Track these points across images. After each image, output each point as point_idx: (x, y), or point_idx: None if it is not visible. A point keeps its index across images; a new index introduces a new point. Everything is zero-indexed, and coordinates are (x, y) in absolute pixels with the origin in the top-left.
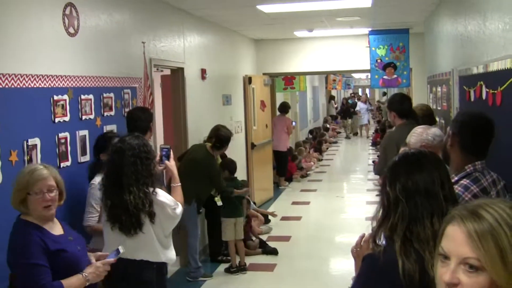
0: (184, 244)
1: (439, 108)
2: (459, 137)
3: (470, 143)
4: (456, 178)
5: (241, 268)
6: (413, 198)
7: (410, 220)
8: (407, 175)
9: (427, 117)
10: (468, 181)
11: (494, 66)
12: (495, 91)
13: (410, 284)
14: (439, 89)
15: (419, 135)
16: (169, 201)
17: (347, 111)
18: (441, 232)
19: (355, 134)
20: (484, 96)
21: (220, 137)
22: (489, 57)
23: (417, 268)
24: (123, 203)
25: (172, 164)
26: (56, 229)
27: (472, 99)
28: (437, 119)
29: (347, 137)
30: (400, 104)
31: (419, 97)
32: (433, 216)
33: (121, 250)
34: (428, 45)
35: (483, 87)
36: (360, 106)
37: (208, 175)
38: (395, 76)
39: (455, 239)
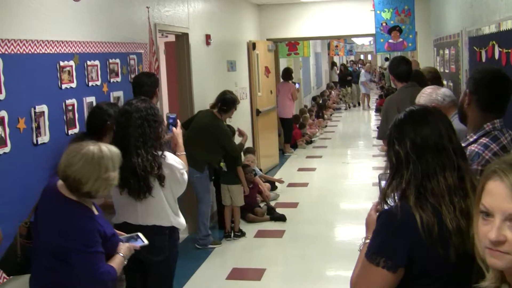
0: (193, 211)
1: (446, 70)
2: (476, 95)
3: (487, 101)
4: (474, 137)
5: (235, 234)
6: (424, 154)
7: (423, 176)
8: (415, 131)
9: (435, 79)
10: (487, 139)
11: (508, 25)
12: (509, 50)
13: (430, 237)
14: (446, 51)
15: (428, 95)
16: (178, 163)
17: (344, 79)
18: (480, 188)
19: (355, 105)
20: (497, 56)
21: (226, 99)
22: (502, 16)
23: (435, 221)
24: (131, 166)
25: (178, 132)
26: (93, 207)
27: (484, 59)
28: (445, 82)
29: (346, 108)
30: (397, 67)
31: (425, 60)
32: (445, 171)
33: (145, 242)
34: (434, 8)
35: (496, 46)
36: (365, 75)
37: (218, 140)
38: (400, 39)
39: (498, 194)
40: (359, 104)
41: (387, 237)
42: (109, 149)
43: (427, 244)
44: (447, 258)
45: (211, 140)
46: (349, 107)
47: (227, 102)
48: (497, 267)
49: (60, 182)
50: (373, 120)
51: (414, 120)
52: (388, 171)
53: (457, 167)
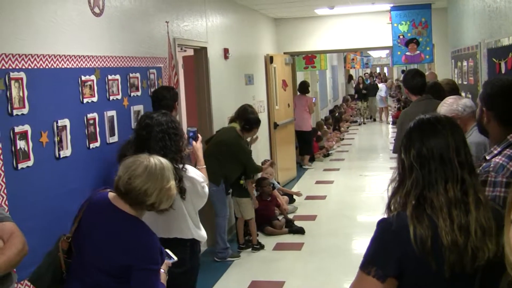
0: (212, 224)
1: (465, 82)
2: (493, 111)
3: (507, 116)
4: (499, 149)
5: (254, 247)
6: (427, 164)
7: (423, 186)
8: (421, 141)
9: (454, 91)
10: (511, 151)
11: None
12: None
13: (422, 250)
14: (464, 63)
15: (449, 106)
16: (199, 177)
17: (360, 92)
18: (510, 199)
19: (373, 119)
20: None
21: (250, 119)
22: None
23: (430, 234)
24: None
25: (198, 146)
26: None
27: (503, 71)
28: (463, 94)
29: (361, 123)
30: (412, 81)
31: (443, 72)
32: (447, 183)
33: (175, 258)
34: (451, 20)
35: None
36: (385, 91)
37: (238, 157)
38: (417, 52)
39: None
40: (375, 119)
41: (380, 246)
42: (165, 161)
43: (420, 257)
44: (441, 274)
45: (229, 155)
46: (364, 122)
47: (250, 122)
48: None
49: (112, 195)
50: (390, 132)
51: (421, 129)
52: (396, 181)
53: (461, 180)
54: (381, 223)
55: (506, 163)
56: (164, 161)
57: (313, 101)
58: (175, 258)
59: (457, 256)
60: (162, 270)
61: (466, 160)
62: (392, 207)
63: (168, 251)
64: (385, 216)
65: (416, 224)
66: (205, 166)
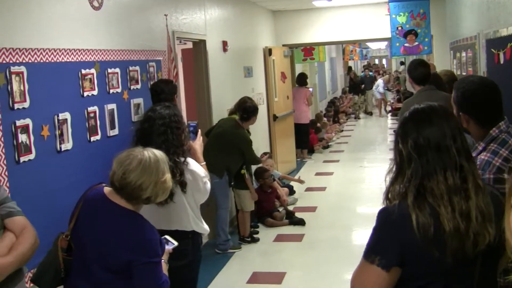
0: (212, 217)
1: (464, 73)
2: (468, 115)
3: (482, 115)
4: (483, 145)
5: (245, 240)
6: (425, 154)
7: (423, 176)
8: (418, 130)
9: (452, 82)
10: (495, 145)
11: None
12: None
13: (425, 237)
14: (463, 54)
15: None
16: (200, 171)
17: (356, 86)
18: (510, 186)
19: (368, 113)
20: None
21: (246, 108)
22: None
23: (432, 222)
24: None
25: (198, 142)
26: None
27: (502, 61)
28: None
29: (356, 118)
30: (415, 70)
31: (442, 63)
32: (446, 171)
33: (175, 243)
34: (450, 11)
35: None
36: (382, 86)
37: (239, 147)
38: (416, 43)
39: None
40: (370, 113)
41: (383, 236)
42: (160, 153)
43: (422, 245)
44: (443, 261)
45: (230, 146)
46: (359, 117)
47: (248, 110)
48: None
49: (108, 190)
50: (389, 124)
51: (417, 119)
52: (393, 170)
53: (460, 167)
54: (382, 213)
55: (491, 159)
56: (158, 153)
57: (310, 90)
58: (175, 243)
59: (459, 242)
60: (162, 260)
61: (463, 147)
62: (390, 197)
63: (167, 237)
64: (384, 205)
65: (418, 212)
66: (204, 163)
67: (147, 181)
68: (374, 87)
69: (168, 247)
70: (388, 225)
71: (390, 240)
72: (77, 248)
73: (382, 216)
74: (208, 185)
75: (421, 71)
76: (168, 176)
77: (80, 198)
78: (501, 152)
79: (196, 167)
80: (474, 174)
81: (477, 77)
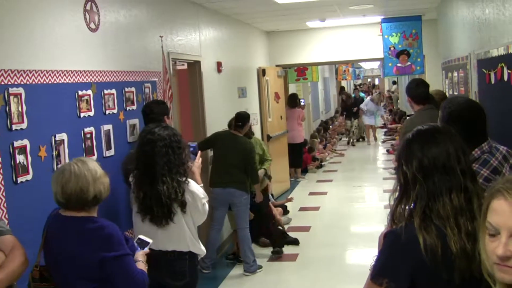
0: (204, 235)
1: (456, 92)
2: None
3: (467, 136)
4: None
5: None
6: (430, 175)
7: (429, 198)
8: (422, 152)
9: (443, 101)
10: (477, 165)
11: None
12: None
13: (433, 259)
14: (455, 74)
15: None
16: (199, 192)
17: (350, 109)
18: (485, 207)
19: (360, 139)
20: (506, 78)
21: (240, 114)
22: (510, 39)
23: (439, 243)
24: (157, 194)
25: (197, 164)
26: None
27: (493, 81)
28: None
29: (350, 144)
30: (415, 90)
31: (434, 83)
32: (451, 192)
33: (149, 241)
34: (442, 31)
35: (505, 68)
36: (369, 105)
37: (249, 162)
38: (409, 63)
39: (503, 212)
40: (364, 138)
41: (391, 258)
42: (84, 157)
43: (431, 267)
44: (451, 282)
45: (243, 162)
46: (353, 144)
47: (241, 116)
48: (505, 281)
49: (62, 210)
50: (382, 143)
51: (422, 140)
52: (397, 192)
53: (465, 188)
54: (389, 235)
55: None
56: (83, 158)
57: (302, 103)
58: (150, 241)
59: (466, 263)
60: (140, 260)
61: (467, 168)
62: (395, 218)
63: (141, 236)
64: (387, 227)
65: (425, 234)
66: (202, 184)
67: (85, 183)
68: (363, 105)
69: (145, 249)
70: (398, 248)
71: (400, 262)
72: (54, 271)
73: (390, 238)
74: (207, 206)
75: (422, 91)
76: (101, 171)
77: (44, 228)
78: (482, 172)
79: (196, 188)
80: (478, 195)
81: (464, 99)
